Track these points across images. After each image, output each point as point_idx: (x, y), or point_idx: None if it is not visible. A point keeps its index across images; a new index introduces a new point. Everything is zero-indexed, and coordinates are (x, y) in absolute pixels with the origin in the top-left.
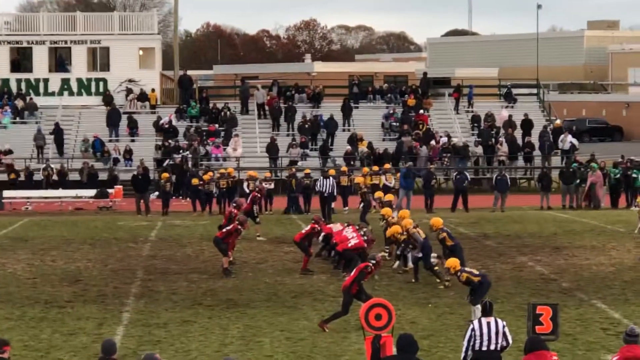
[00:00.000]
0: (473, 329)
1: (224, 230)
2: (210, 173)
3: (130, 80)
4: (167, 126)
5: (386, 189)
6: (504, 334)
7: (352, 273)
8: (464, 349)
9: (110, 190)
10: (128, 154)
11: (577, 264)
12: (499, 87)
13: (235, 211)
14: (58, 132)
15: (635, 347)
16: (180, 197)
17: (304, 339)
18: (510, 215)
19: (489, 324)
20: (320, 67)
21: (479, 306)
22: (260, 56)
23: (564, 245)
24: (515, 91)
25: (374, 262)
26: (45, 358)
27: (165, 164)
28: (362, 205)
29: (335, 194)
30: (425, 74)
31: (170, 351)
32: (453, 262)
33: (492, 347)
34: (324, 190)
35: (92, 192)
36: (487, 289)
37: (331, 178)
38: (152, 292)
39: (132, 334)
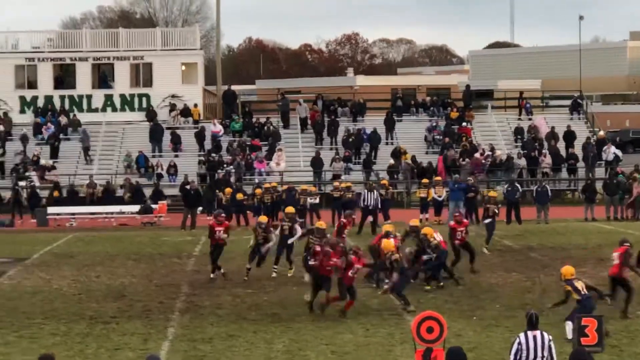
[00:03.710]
0: (519, 342)
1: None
2: (259, 190)
3: (173, 96)
4: (218, 132)
5: (436, 202)
6: (550, 348)
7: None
8: None
9: (154, 206)
10: (172, 169)
11: None
12: (542, 99)
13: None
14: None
15: None
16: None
17: (348, 353)
18: (554, 227)
19: (535, 337)
20: (362, 80)
21: (569, 323)
22: (302, 70)
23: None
24: (557, 102)
25: None
26: None
27: (212, 180)
28: (488, 221)
29: (379, 207)
30: (467, 86)
31: None
32: (567, 269)
33: None
34: (368, 203)
35: (136, 207)
36: (583, 312)
37: (375, 191)
38: (196, 307)
39: (177, 349)
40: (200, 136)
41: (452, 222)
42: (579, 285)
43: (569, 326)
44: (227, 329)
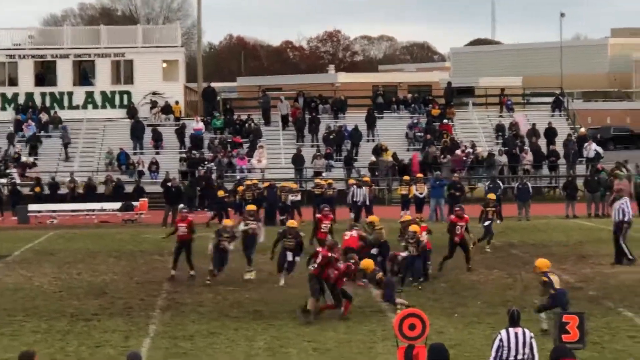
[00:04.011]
0: (501, 339)
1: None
2: (241, 187)
3: (154, 93)
4: (200, 129)
5: (417, 200)
6: (531, 345)
7: None
8: (491, 359)
9: (135, 203)
10: (154, 166)
11: (603, 272)
12: (523, 96)
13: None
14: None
15: None
16: (206, 209)
17: (330, 350)
18: (535, 224)
19: (516, 334)
20: (344, 77)
21: (542, 315)
22: (283, 67)
23: (589, 253)
24: (539, 99)
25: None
26: None
27: (193, 177)
28: (487, 223)
29: (367, 203)
30: (449, 83)
31: None
32: (543, 262)
33: (520, 357)
34: (357, 199)
35: (117, 205)
36: (556, 306)
37: (364, 187)
38: (178, 304)
39: (158, 346)
40: (181, 133)
41: (452, 217)
42: (554, 278)
43: (541, 317)
44: (209, 326)
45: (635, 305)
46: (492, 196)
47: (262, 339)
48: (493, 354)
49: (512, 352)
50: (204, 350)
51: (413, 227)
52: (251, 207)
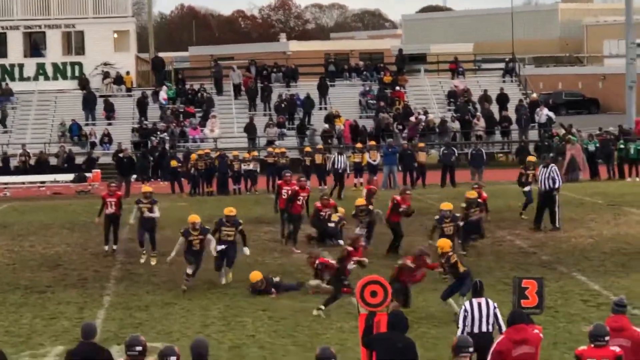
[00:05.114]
0: (465, 310)
1: None
2: (194, 155)
3: (105, 64)
4: (166, 99)
5: (370, 167)
6: (495, 315)
7: None
8: (459, 331)
9: (88, 174)
10: (106, 137)
11: (556, 237)
12: (474, 62)
13: None
14: None
15: (621, 317)
16: (159, 179)
17: (285, 318)
18: (488, 189)
19: (479, 304)
20: (295, 46)
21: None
22: (235, 37)
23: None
24: (490, 65)
25: None
26: (27, 343)
27: (146, 148)
28: (528, 188)
29: (347, 171)
30: (400, 50)
31: (152, 333)
32: (447, 242)
33: (484, 328)
34: (338, 167)
35: (70, 176)
36: (464, 286)
37: (344, 155)
38: (132, 275)
39: (113, 317)
40: (141, 103)
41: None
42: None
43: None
44: (163, 297)
45: (588, 269)
46: (531, 158)
47: (216, 308)
48: (460, 325)
49: (477, 323)
50: (159, 321)
51: (443, 205)
52: (147, 188)
